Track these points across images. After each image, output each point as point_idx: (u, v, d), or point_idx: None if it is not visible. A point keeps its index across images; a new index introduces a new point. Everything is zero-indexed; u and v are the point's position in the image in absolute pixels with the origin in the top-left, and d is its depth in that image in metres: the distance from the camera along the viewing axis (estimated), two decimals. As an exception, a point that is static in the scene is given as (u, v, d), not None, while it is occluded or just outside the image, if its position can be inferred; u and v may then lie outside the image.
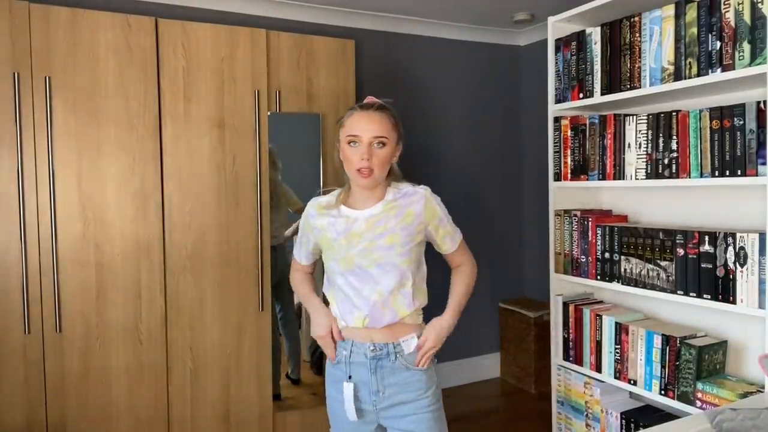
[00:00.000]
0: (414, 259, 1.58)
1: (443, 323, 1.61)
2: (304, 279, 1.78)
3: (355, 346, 1.58)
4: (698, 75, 1.89)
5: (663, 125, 2.02)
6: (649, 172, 2.07)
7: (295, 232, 1.83)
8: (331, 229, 1.59)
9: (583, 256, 2.34)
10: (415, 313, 1.60)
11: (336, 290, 1.62)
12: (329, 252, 1.60)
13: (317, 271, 1.82)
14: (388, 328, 1.56)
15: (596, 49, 2.24)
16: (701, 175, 1.91)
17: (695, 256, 1.93)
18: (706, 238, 1.89)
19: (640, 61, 2.07)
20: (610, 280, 2.22)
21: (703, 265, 1.90)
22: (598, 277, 2.27)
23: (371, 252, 1.54)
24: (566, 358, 2.43)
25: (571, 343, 2.40)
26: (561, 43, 2.41)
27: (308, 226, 1.67)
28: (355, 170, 1.52)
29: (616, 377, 2.20)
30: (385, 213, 1.56)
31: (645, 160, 2.08)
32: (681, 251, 1.97)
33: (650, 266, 2.07)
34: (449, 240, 1.66)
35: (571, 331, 2.40)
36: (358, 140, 1.51)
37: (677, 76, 1.95)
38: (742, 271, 1.79)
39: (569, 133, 2.38)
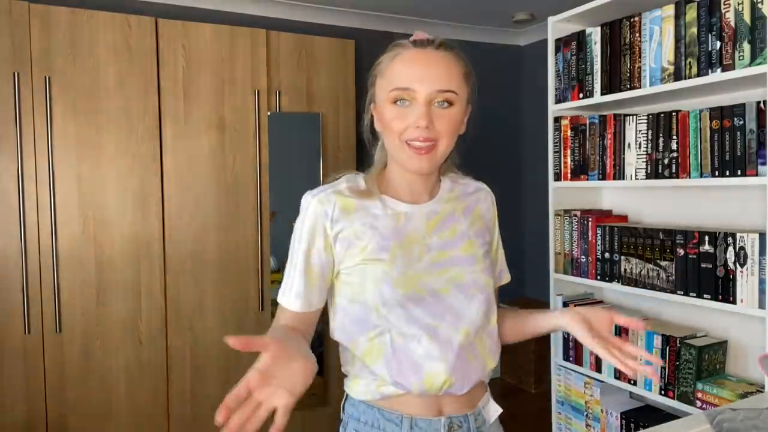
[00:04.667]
0: (494, 281, 1.11)
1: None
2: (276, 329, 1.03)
3: (417, 427, 1.01)
4: (698, 75, 1.88)
5: (663, 125, 2.02)
6: (649, 172, 2.07)
7: None
8: (371, 233, 1.00)
9: (583, 256, 2.33)
10: None
11: (384, 332, 0.99)
12: (374, 269, 0.99)
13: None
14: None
15: (596, 49, 2.24)
16: (701, 175, 1.90)
17: (695, 256, 1.92)
18: (706, 238, 1.89)
19: (640, 61, 2.07)
20: (610, 280, 2.22)
21: (703, 265, 1.90)
22: (598, 277, 2.27)
23: (447, 267, 1.02)
24: (566, 358, 2.43)
25: (571, 343, 2.40)
26: (561, 43, 2.41)
27: (322, 235, 1.01)
28: (405, 143, 0.97)
29: (616, 377, 2.20)
30: (449, 211, 1.07)
31: (645, 160, 2.08)
32: (681, 251, 1.97)
33: (650, 266, 2.07)
34: (501, 267, 1.18)
35: (571, 331, 2.39)
36: (410, 96, 0.97)
37: (677, 76, 1.95)
38: (742, 271, 1.79)
39: (569, 133, 2.38)
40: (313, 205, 1.01)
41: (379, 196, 1.03)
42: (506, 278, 1.19)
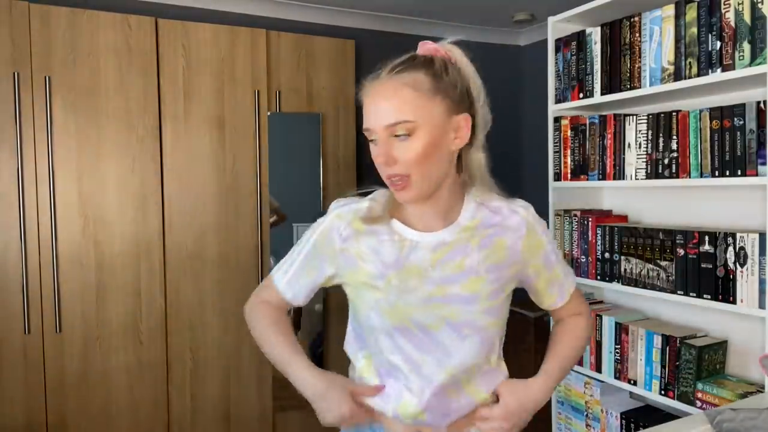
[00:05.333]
0: (503, 319, 1.06)
1: (532, 394, 1.03)
2: (279, 322, 1.14)
3: None
4: (698, 75, 1.88)
5: (663, 125, 2.02)
6: (649, 172, 2.07)
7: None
8: (373, 257, 1.00)
9: (583, 256, 2.33)
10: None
11: (375, 354, 1.04)
12: (367, 294, 1.01)
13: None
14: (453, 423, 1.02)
15: (596, 49, 2.24)
16: (701, 175, 1.90)
17: (695, 256, 1.92)
18: (706, 238, 1.89)
19: (640, 61, 2.07)
20: (610, 280, 2.22)
21: (703, 265, 1.90)
22: (598, 277, 2.27)
23: (441, 304, 0.98)
24: (566, 358, 2.43)
25: (571, 343, 2.40)
26: (561, 43, 2.41)
27: (330, 246, 1.04)
28: (386, 178, 0.97)
29: (616, 377, 2.20)
30: (463, 242, 0.99)
31: (645, 160, 2.08)
32: (681, 251, 1.97)
33: (650, 266, 2.07)
34: (557, 288, 1.11)
35: (571, 331, 2.39)
36: (373, 135, 0.95)
37: (677, 76, 1.95)
38: (742, 271, 1.79)
39: (569, 133, 2.38)
40: (331, 216, 1.04)
41: (388, 221, 1.01)
42: (551, 303, 1.12)
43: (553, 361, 1.08)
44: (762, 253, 1.74)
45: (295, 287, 1.09)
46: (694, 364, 1.93)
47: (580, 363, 2.35)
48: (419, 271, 0.98)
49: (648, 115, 2.08)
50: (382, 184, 1.03)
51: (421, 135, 0.92)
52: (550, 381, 1.06)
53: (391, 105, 0.92)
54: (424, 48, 1.00)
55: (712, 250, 1.88)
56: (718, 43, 1.82)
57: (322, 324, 2.77)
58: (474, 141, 0.99)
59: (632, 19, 2.10)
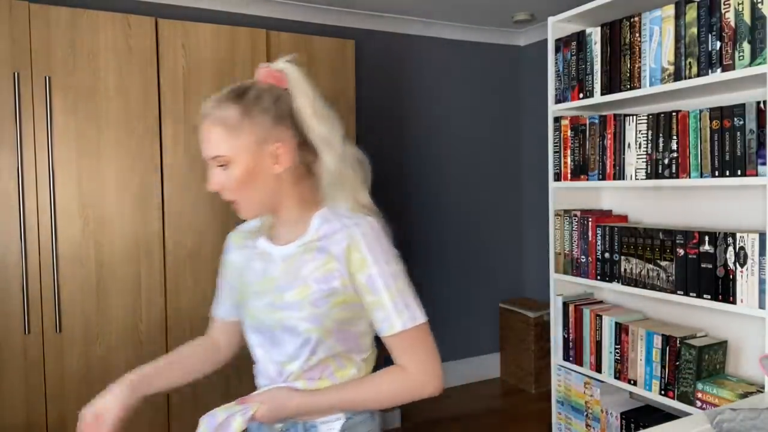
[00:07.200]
0: (330, 329, 1.05)
1: (287, 402, 1.07)
2: (187, 347, 1.33)
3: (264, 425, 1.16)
4: (698, 75, 1.88)
5: (663, 125, 2.03)
6: (649, 172, 2.07)
7: None
8: (249, 269, 1.15)
9: (583, 256, 2.33)
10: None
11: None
12: (242, 298, 1.17)
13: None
14: None
15: (596, 49, 2.24)
16: (701, 175, 1.91)
17: (695, 256, 1.92)
18: (706, 238, 1.89)
19: (640, 61, 2.07)
20: (610, 280, 2.22)
21: (703, 265, 1.90)
22: (598, 277, 2.27)
23: (277, 309, 1.08)
24: (566, 358, 2.43)
25: (571, 343, 2.40)
26: (561, 43, 2.41)
27: (223, 261, 1.26)
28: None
29: (616, 377, 2.20)
30: (302, 254, 1.08)
31: (645, 160, 2.08)
32: (681, 251, 1.97)
33: (650, 266, 2.07)
34: (381, 315, 1.04)
35: (571, 331, 2.40)
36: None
37: (677, 76, 1.95)
38: (742, 271, 1.79)
39: (569, 133, 2.38)
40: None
41: (257, 236, 1.16)
42: (386, 329, 1.03)
43: (331, 391, 1.08)
44: (762, 253, 1.74)
45: (217, 300, 1.30)
46: (694, 364, 1.93)
47: (580, 363, 2.35)
48: (272, 280, 1.09)
49: (648, 115, 2.08)
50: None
51: (236, 165, 1.03)
52: (310, 404, 1.08)
53: (208, 141, 1.04)
54: (259, 72, 1.10)
55: (712, 250, 1.88)
56: (718, 43, 1.83)
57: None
58: (321, 154, 1.08)
59: (632, 19, 2.10)
